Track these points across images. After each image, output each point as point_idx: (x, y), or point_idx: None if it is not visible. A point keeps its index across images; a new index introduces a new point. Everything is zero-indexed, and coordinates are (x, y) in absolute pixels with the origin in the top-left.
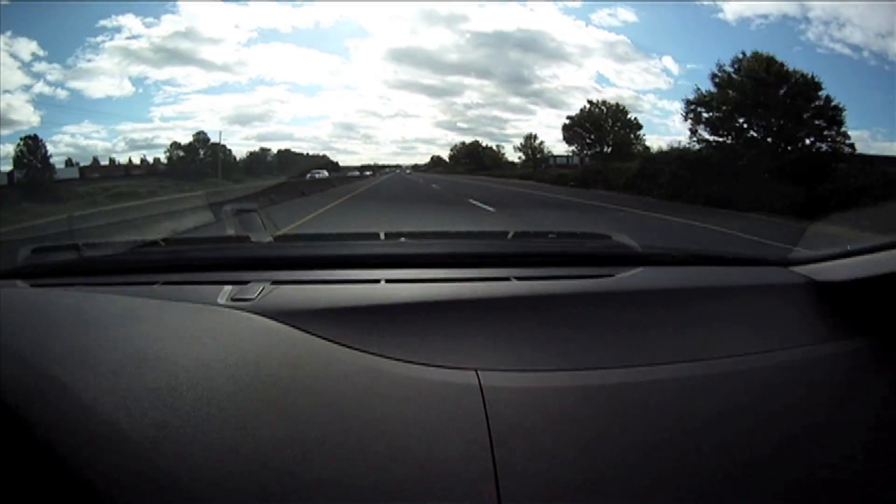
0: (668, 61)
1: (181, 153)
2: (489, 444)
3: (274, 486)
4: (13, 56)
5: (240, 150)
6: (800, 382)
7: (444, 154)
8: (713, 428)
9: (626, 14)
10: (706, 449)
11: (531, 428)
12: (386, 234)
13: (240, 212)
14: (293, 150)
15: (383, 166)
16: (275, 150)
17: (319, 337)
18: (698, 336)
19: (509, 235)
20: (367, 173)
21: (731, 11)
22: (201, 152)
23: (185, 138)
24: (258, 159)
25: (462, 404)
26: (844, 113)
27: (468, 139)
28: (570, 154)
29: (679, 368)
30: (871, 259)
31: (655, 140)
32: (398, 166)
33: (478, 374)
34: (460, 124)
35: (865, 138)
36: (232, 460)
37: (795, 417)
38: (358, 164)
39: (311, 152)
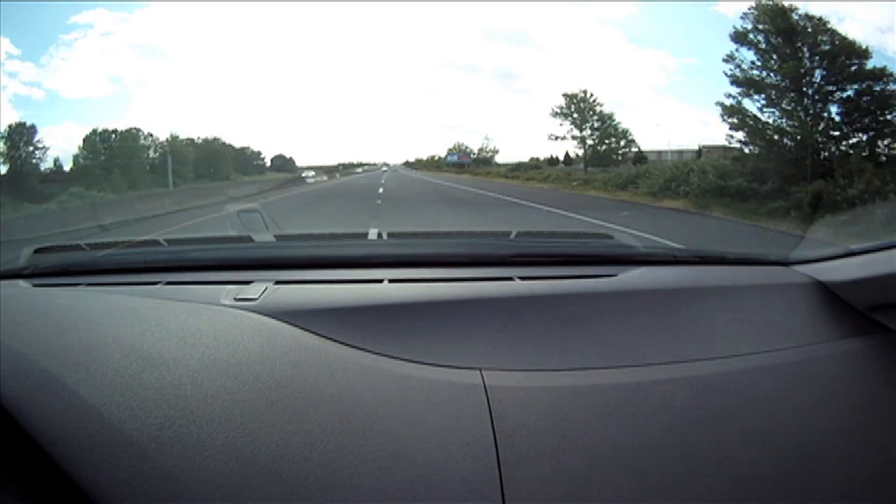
0: (663, 56)
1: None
2: (493, 443)
3: (278, 486)
4: None
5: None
6: (803, 382)
7: (428, 153)
8: (716, 428)
9: (622, 7)
10: (709, 449)
11: (535, 428)
12: (389, 234)
13: (242, 211)
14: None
15: (367, 163)
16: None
17: (323, 337)
18: (701, 336)
19: (512, 235)
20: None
21: (729, 4)
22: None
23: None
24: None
25: (466, 404)
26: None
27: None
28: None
29: (682, 368)
30: (873, 258)
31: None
32: (385, 164)
33: (482, 374)
34: (448, 121)
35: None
36: (235, 460)
37: (799, 417)
38: (336, 162)
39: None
